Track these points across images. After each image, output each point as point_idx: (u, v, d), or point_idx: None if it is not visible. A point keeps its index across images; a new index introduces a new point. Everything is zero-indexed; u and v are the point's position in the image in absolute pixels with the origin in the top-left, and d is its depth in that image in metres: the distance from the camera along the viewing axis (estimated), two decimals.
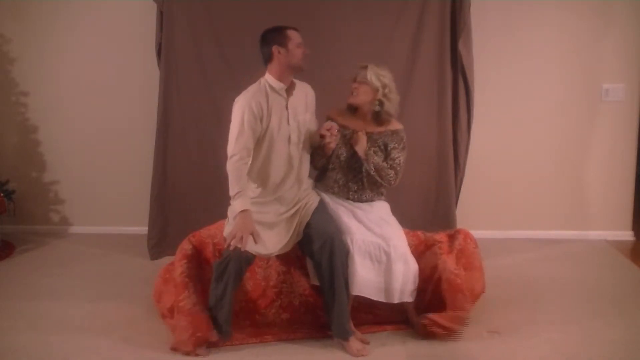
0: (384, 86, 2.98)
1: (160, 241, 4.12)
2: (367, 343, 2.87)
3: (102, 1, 4.32)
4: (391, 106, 3.01)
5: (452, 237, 3.15)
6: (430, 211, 4.13)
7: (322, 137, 2.96)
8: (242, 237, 2.69)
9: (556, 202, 4.39)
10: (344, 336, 2.82)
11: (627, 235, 4.42)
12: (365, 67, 2.99)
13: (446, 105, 4.00)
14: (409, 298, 2.92)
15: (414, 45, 3.98)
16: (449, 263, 2.95)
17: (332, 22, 3.98)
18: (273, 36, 2.87)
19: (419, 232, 3.18)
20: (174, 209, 4.16)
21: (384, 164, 2.97)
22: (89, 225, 4.66)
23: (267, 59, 2.90)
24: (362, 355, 2.77)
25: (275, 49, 2.85)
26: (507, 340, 2.89)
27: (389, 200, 3.19)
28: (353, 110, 3.08)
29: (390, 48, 3.98)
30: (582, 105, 4.27)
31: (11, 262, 4.11)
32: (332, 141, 2.94)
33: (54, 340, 2.94)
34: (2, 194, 4.22)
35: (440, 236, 3.12)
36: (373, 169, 2.94)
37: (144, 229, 4.19)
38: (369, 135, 2.99)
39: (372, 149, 2.98)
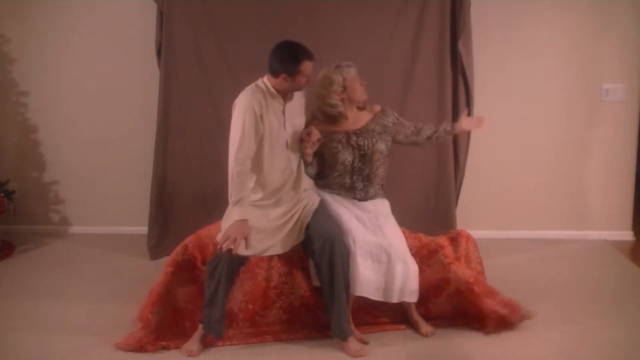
0: None
1: (160, 241, 4.11)
2: (367, 343, 2.86)
3: (102, 1, 4.32)
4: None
5: (454, 241, 3.13)
6: (430, 211, 4.13)
7: (301, 140, 2.96)
8: (235, 240, 2.70)
9: (556, 202, 4.38)
10: (343, 336, 2.82)
11: (627, 235, 4.42)
12: (350, 66, 3.01)
13: (446, 105, 4.00)
14: (409, 298, 2.91)
15: (414, 45, 3.98)
16: (460, 273, 2.93)
17: (332, 22, 3.97)
18: (287, 63, 2.77)
19: (420, 235, 3.16)
20: (174, 208, 4.17)
21: (426, 133, 3.07)
22: (88, 225, 4.66)
23: (273, 73, 2.83)
24: (361, 356, 2.76)
25: (283, 76, 2.79)
26: (507, 340, 2.88)
27: (388, 199, 3.18)
28: (336, 115, 3.02)
29: (390, 48, 3.99)
30: (582, 105, 4.26)
31: (11, 262, 4.11)
32: (309, 147, 2.92)
33: (54, 340, 2.94)
34: (2, 194, 4.21)
35: (442, 239, 3.09)
36: (434, 138, 3.06)
37: (144, 229, 4.18)
38: (368, 128, 3.01)
39: (378, 136, 3.01)
